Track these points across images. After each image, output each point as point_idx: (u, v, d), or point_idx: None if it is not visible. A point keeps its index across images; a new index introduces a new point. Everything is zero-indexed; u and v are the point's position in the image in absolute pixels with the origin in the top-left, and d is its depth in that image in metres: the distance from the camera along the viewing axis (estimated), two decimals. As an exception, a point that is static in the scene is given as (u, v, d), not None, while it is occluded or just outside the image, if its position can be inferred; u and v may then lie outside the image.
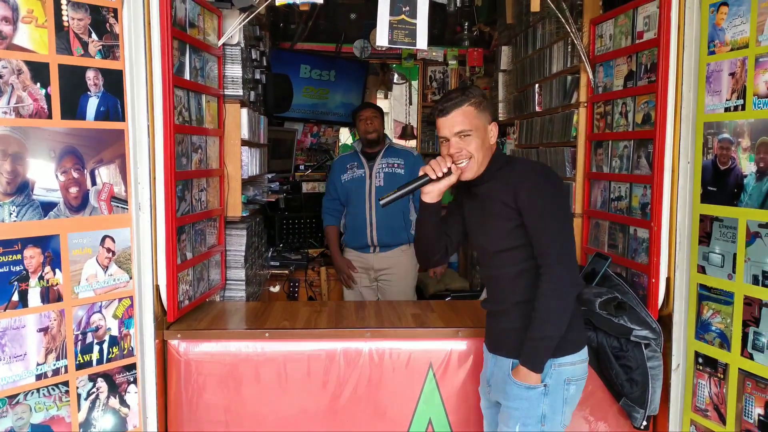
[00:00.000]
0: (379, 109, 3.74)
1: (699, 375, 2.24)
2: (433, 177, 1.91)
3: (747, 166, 2.02)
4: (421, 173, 1.94)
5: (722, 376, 2.13)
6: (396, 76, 5.45)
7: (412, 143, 5.48)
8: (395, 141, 3.74)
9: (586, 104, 2.92)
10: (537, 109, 3.64)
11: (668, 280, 2.33)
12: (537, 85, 3.62)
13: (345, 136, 5.48)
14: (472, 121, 1.89)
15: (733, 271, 2.07)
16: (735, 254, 2.07)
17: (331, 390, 2.31)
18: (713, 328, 2.17)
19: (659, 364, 2.28)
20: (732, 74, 2.07)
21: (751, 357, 2.02)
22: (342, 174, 3.65)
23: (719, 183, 2.13)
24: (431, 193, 1.96)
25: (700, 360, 2.23)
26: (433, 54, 5.34)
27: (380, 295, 3.70)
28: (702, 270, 2.21)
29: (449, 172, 1.90)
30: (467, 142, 1.89)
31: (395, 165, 3.58)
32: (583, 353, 1.97)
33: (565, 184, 1.89)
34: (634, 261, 2.51)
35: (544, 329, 1.83)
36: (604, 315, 2.26)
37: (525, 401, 1.90)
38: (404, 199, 3.36)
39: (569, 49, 3.14)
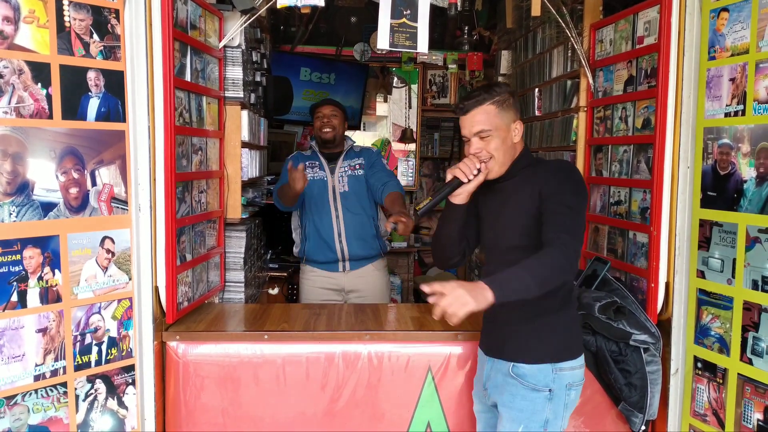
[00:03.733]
0: (341, 107, 3.32)
1: (698, 380, 2.24)
2: (465, 180, 1.89)
3: (747, 171, 2.02)
4: (449, 177, 1.92)
5: (721, 381, 2.13)
6: (396, 79, 5.45)
7: (412, 147, 5.49)
8: (356, 143, 3.39)
9: (585, 109, 2.92)
10: (537, 113, 3.65)
11: (667, 284, 2.33)
12: (537, 90, 3.63)
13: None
14: (492, 120, 1.87)
15: (733, 276, 2.07)
16: (734, 259, 2.07)
17: (329, 393, 2.31)
18: (712, 332, 2.17)
19: (658, 369, 2.28)
20: (732, 80, 2.07)
21: (750, 362, 2.02)
22: None
23: (719, 188, 2.13)
24: (461, 195, 1.93)
25: (699, 365, 2.23)
26: (433, 58, 5.36)
27: None
28: (701, 275, 2.21)
29: (479, 172, 1.89)
30: (487, 141, 1.88)
31: (357, 166, 3.22)
32: (581, 359, 1.98)
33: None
34: (634, 265, 2.51)
35: (529, 280, 1.68)
36: (603, 319, 2.26)
37: (529, 403, 1.90)
38: (372, 203, 3.19)
39: (569, 54, 3.15)
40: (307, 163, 3.18)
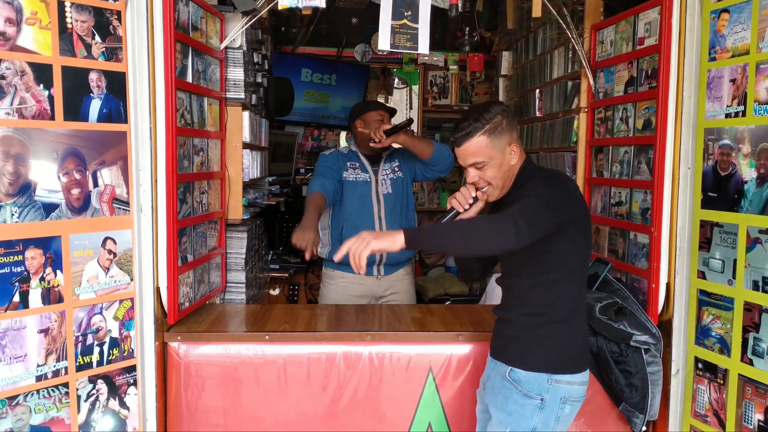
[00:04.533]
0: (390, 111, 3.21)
1: (699, 380, 2.24)
2: (461, 210, 1.92)
3: (747, 172, 2.02)
4: (448, 206, 1.96)
5: (722, 382, 2.14)
6: (397, 80, 5.47)
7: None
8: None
9: (586, 110, 2.92)
10: (537, 114, 3.65)
11: (668, 285, 2.33)
12: (538, 91, 3.64)
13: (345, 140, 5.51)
14: (484, 151, 1.86)
15: (734, 277, 2.08)
16: (735, 260, 2.07)
17: (330, 393, 2.31)
18: (713, 333, 2.17)
19: (659, 370, 2.28)
20: (733, 80, 2.08)
21: (751, 363, 2.02)
22: (343, 171, 3.09)
23: (720, 189, 2.13)
24: None
25: (700, 365, 2.23)
26: (434, 59, 5.37)
27: None
28: (702, 275, 2.22)
29: (476, 200, 1.92)
30: (483, 171, 1.88)
31: (396, 169, 3.16)
32: (584, 376, 1.94)
33: (575, 195, 1.89)
34: (634, 266, 2.51)
35: (450, 232, 1.73)
36: (604, 320, 2.26)
37: (520, 408, 1.89)
38: (410, 207, 3.17)
39: (570, 55, 3.15)
40: (348, 163, 3.12)
